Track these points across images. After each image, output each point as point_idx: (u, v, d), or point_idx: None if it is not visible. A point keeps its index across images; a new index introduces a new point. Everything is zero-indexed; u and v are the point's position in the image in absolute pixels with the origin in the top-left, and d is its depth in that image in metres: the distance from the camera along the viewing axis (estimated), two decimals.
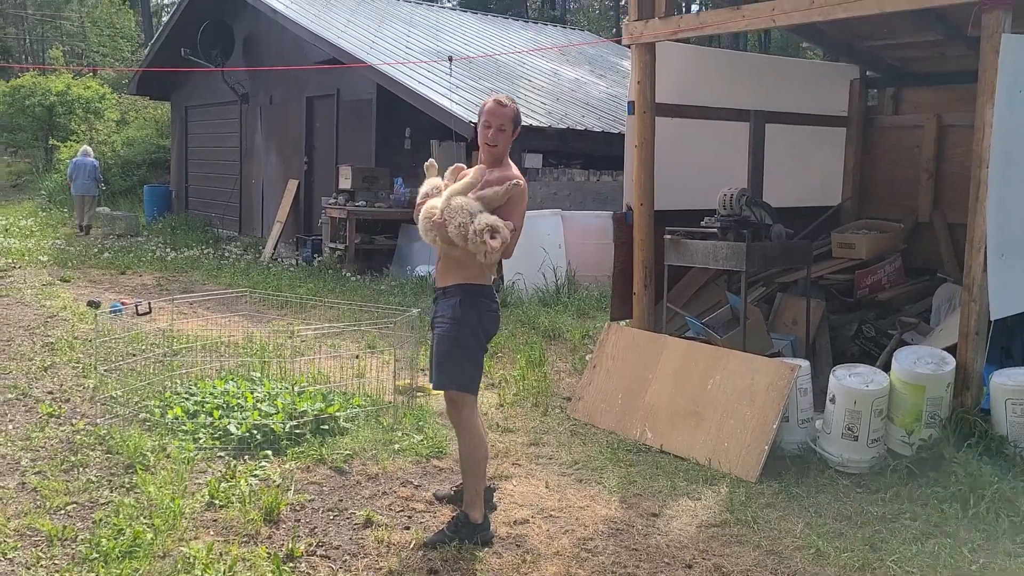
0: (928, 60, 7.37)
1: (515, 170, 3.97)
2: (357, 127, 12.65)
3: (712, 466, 4.92)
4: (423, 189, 4.04)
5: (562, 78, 13.85)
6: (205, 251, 13.59)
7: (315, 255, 12.06)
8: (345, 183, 11.56)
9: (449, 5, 24.15)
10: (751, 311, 6.09)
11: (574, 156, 10.80)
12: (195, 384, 5.82)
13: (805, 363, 5.13)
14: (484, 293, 3.95)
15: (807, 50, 21.53)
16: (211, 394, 5.56)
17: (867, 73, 7.99)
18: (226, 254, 13.49)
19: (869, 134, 7.90)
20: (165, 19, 26.61)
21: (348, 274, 10.94)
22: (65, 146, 23.00)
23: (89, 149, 17.60)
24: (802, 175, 7.74)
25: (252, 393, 5.54)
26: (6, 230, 15.76)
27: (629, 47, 6.49)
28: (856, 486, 4.65)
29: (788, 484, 4.66)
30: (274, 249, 13.41)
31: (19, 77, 25.39)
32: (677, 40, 6.42)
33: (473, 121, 9.68)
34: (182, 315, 8.71)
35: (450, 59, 11.60)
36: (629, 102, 6.56)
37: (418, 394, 6.05)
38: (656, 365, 5.65)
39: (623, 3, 37.29)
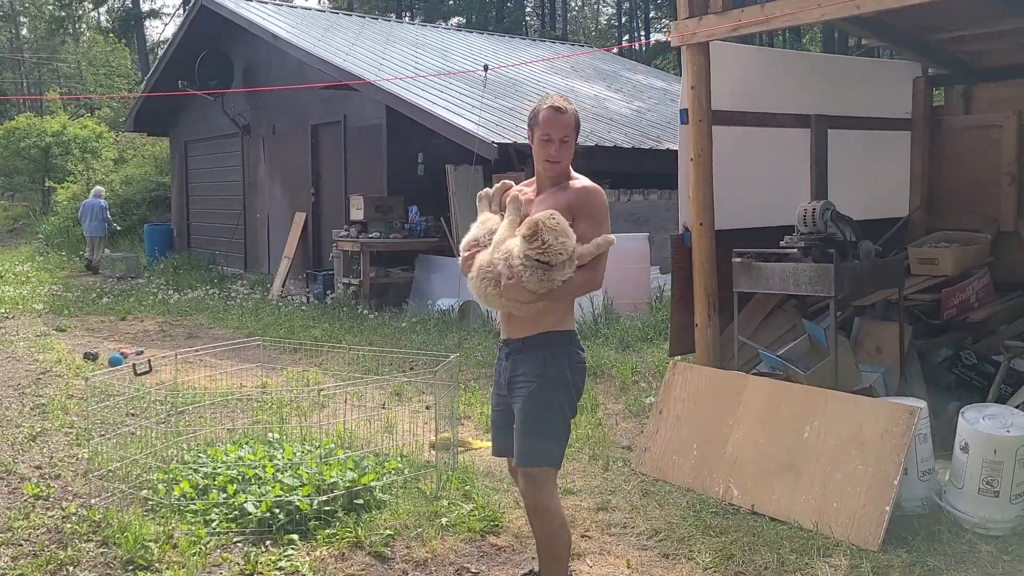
0: (1004, 52, 6.64)
1: (584, 180, 3.26)
2: (366, 154, 11.96)
3: (820, 531, 4.13)
4: (472, 232, 3.30)
5: (581, 95, 13.16)
6: (210, 291, 12.85)
7: (327, 291, 11.32)
8: (357, 214, 10.85)
9: (447, 27, 23.55)
10: (842, 343, 5.31)
11: (602, 175, 10.05)
12: (204, 451, 5.04)
13: (922, 404, 4.35)
14: (572, 340, 3.25)
15: (858, 48, 20.48)
16: (223, 463, 4.79)
17: (929, 71, 7.27)
18: (232, 293, 12.76)
19: (937, 137, 7.16)
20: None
21: (365, 311, 10.18)
22: (62, 187, 22.38)
23: (101, 190, 17.23)
24: (867, 185, 6.99)
25: (271, 460, 4.77)
26: (0, 277, 15.05)
27: (679, 49, 5.79)
28: (1002, 553, 3.85)
29: (919, 554, 3.87)
30: (282, 286, 12.68)
31: (14, 120, 24.83)
32: (736, 38, 5.71)
33: (496, 141, 8.97)
34: (187, 364, 7.98)
35: (485, 68, 10.95)
36: (682, 110, 5.83)
37: (460, 449, 5.28)
38: (737, 409, 4.87)
39: (624, 19, 36.89)
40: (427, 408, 6.48)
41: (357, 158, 12.24)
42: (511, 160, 9.28)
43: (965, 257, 6.16)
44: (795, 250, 5.05)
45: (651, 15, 35.26)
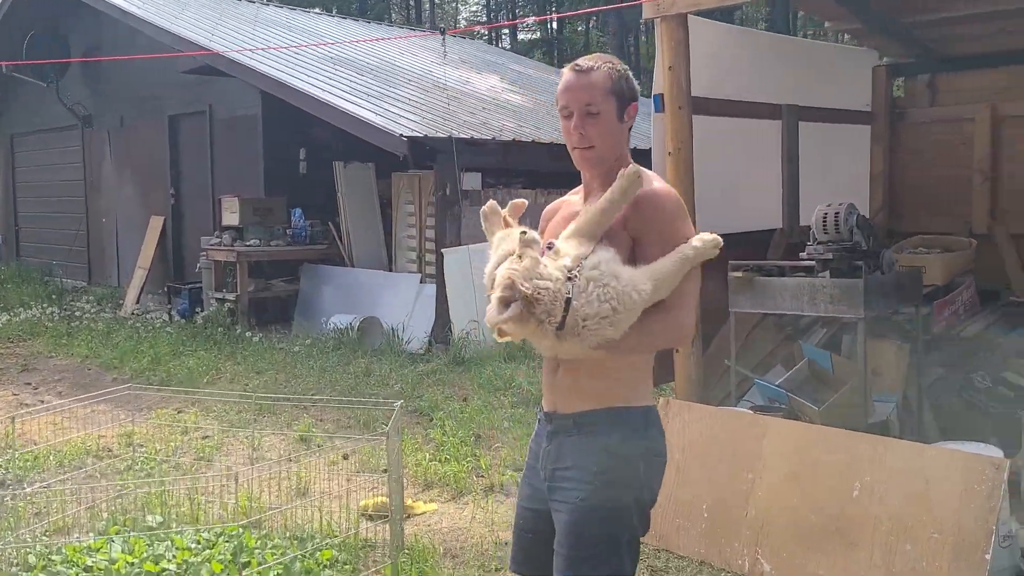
0: (976, 39, 6.08)
1: (653, 181, 2.17)
2: (237, 150, 10.42)
3: None
4: (492, 262, 2.15)
5: (476, 86, 12.08)
6: (48, 310, 10.90)
7: (195, 308, 9.74)
8: (231, 218, 9.34)
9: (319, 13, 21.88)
10: (851, 368, 4.51)
11: (516, 174, 9.06)
12: (55, 551, 3.64)
13: (998, 452, 3.58)
14: (650, 421, 2.18)
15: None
16: (85, 571, 3.44)
17: (884, 59, 6.69)
18: (76, 312, 10.88)
19: (899, 131, 6.57)
20: None
21: (245, 331, 8.72)
22: None
23: None
24: (832, 184, 6.30)
25: (157, 564, 3.45)
26: None
27: (652, 21, 4.86)
28: None
29: None
30: (137, 301, 10.94)
31: None
32: (712, 11, 4.84)
33: (405, 135, 7.78)
34: (24, 407, 6.40)
35: (443, 31, 9.74)
36: (656, 96, 4.90)
37: (407, 516, 4.14)
38: (759, 459, 3.95)
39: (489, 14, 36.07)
40: (345, 457, 5.27)
41: (226, 154, 10.67)
42: (408, 159, 8.10)
43: (954, 264, 5.55)
44: (813, 262, 4.18)
45: (517, 11, 34.59)
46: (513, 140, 8.75)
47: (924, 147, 6.44)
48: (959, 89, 6.28)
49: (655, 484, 2.19)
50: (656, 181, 2.18)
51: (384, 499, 4.14)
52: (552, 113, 11.13)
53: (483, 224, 2.38)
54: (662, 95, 4.82)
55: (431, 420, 5.94)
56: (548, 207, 2.47)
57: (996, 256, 6.08)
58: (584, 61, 2.23)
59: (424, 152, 7.97)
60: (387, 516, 3.81)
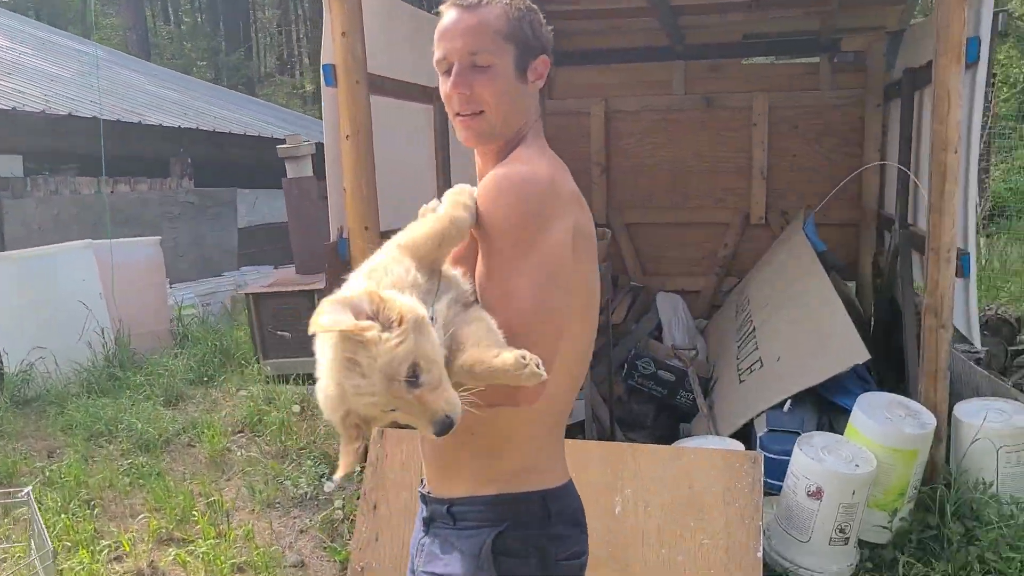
0: (589, 35, 6.29)
1: (511, 164, 1.55)
2: None
3: None
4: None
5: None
6: None
7: None
8: None
9: None
10: None
11: (69, 158, 7.25)
12: None
13: (739, 446, 3.58)
14: (554, 513, 1.58)
15: None
16: None
17: None
18: None
19: None
20: None
21: None
22: None
23: None
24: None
25: None
26: None
27: None
28: None
29: None
30: None
31: None
32: None
33: None
34: None
35: None
36: (326, 66, 4.15)
37: None
38: None
39: None
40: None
41: None
42: None
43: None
44: None
45: None
46: (69, 114, 6.98)
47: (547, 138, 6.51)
48: (576, 84, 6.47)
49: None
50: (522, 164, 1.55)
51: None
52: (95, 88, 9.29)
53: None
54: (333, 66, 4.06)
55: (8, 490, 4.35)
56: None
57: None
58: None
59: None
60: None
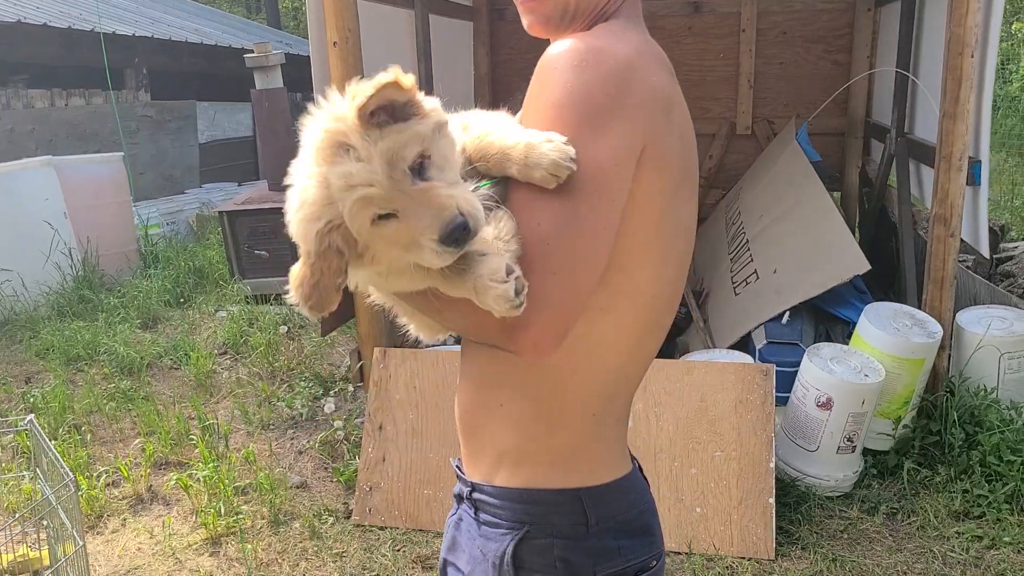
0: None
1: (611, 40, 1.13)
2: None
3: (694, 551, 3.10)
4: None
5: None
6: None
7: None
8: None
9: None
10: None
11: (17, 68, 6.80)
12: None
13: (746, 358, 3.57)
14: (595, 515, 1.21)
15: None
16: None
17: None
18: None
19: (500, 30, 6.32)
20: None
21: None
22: None
23: None
24: (459, 87, 5.86)
25: None
26: None
27: None
28: (890, 520, 3.32)
29: (816, 542, 3.13)
30: None
31: None
32: None
33: None
34: None
35: None
36: None
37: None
38: None
39: None
40: None
41: None
42: None
43: None
44: None
45: None
46: (19, 21, 6.52)
47: (521, 48, 6.28)
48: None
49: None
50: (566, 41, 1.13)
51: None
52: None
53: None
54: None
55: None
56: None
57: None
58: None
59: None
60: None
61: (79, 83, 7.27)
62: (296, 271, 1.01)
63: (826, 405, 3.36)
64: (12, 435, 3.72)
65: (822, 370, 3.38)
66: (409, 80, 0.99)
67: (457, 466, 1.33)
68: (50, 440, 3.87)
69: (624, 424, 1.30)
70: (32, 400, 4.26)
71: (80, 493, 3.45)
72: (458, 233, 0.96)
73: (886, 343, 3.46)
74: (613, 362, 1.20)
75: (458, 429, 1.31)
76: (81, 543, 2.27)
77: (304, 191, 0.98)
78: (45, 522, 2.69)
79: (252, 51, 6.22)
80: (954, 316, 3.66)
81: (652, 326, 1.22)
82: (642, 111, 1.10)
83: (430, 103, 1.02)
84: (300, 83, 6.87)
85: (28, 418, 2.52)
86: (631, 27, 1.23)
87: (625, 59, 1.10)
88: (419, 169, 0.98)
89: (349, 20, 3.81)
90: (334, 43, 3.80)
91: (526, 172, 1.04)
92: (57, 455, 2.25)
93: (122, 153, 6.47)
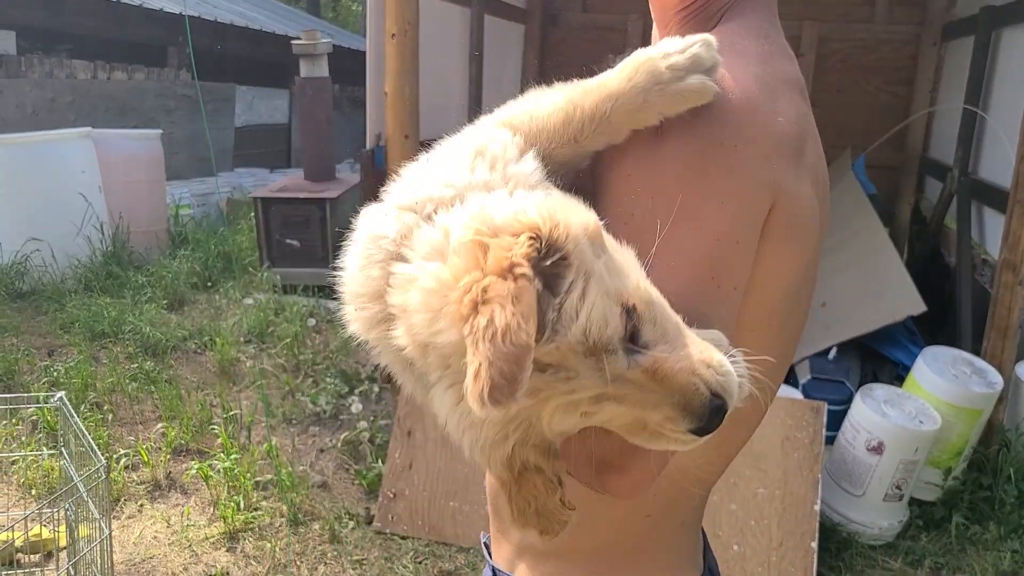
0: None
1: (736, 64, 0.90)
2: None
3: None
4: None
5: None
6: None
7: None
8: None
9: None
10: None
11: (60, 38, 6.76)
12: None
13: (795, 392, 3.43)
14: None
15: None
16: None
17: None
18: None
19: (550, 35, 6.21)
20: None
21: None
22: None
23: None
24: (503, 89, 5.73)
25: None
26: None
27: None
28: (934, 575, 3.19)
29: None
30: None
31: None
32: None
33: None
34: None
35: None
36: None
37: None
38: None
39: None
40: None
41: None
42: None
43: None
44: None
45: None
46: None
47: (573, 53, 6.17)
48: None
49: None
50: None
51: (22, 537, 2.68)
52: None
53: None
54: None
55: (8, 388, 4.13)
56: None
57: None
58: None
59: None
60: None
61: (123, 57, 7.21)
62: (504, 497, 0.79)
63: (877, 449, 3.21)
64: (32, 409, 3.63)
65: (875, 412, 3.23)
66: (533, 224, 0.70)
67: (485, 543, 1.19)
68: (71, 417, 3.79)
69: (693, 531, 1.08)
70: (55, 374, 4.17)
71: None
72: (717, 413, 0.73)
73: (943, 390, 3.31)
74: (680, 461, 0.94)
75: (488, 502, 1.15)
76: (108, 532, 2.16)
77: (467, 415, 0.72)
78: (64, 503, 2.59)
79: (296, 38, 6.14)
80: (1014, 367, 3.51)
81: (742, 417, 0.87)
82: (766, 165, 0.86)
83: (569, 217, 0.72)
84: (339, 74, 6.78)
85: (59, 395, 2.41)
86: (753, 29, 0.97)
87: (742, 97, 0.86)
88: (632, 339, 0.72)
89: (410, 13, 3.71)
90: (392, 35, 3.71)
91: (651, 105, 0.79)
92: (89, 438, 2.14)
93: (160, 131, 6.41)
